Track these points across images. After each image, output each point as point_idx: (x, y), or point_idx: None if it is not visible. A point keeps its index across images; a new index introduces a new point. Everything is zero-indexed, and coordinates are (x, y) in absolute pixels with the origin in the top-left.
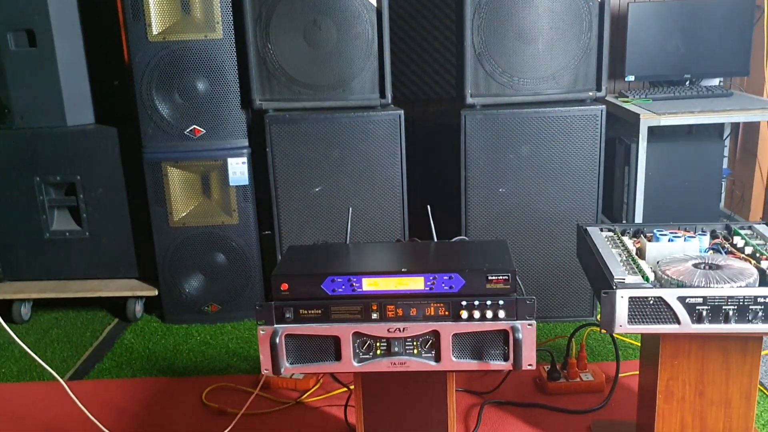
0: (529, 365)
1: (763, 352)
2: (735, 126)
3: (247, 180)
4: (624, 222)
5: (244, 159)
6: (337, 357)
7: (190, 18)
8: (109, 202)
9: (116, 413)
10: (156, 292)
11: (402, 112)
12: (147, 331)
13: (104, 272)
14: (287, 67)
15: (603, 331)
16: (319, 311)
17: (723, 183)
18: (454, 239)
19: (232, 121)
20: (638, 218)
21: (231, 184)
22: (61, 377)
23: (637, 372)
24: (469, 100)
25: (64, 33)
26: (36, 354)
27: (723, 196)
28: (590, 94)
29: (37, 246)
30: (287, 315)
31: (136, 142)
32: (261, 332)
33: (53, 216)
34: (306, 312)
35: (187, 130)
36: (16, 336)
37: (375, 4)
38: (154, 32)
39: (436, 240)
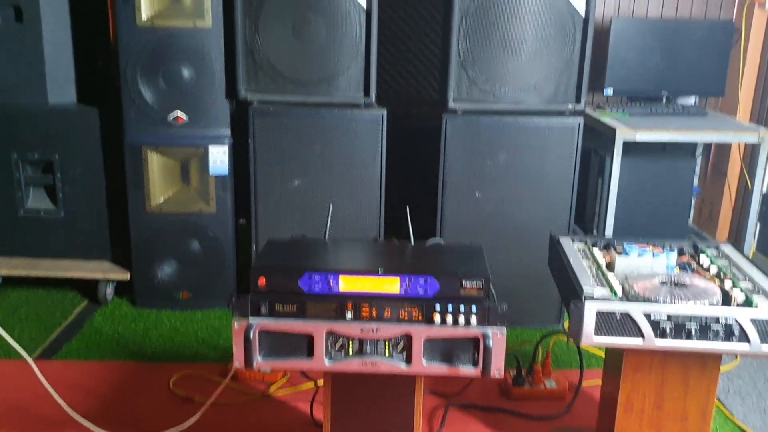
0: (497, 372)
1: (721, 369)
2: (707, 145)
3: (227, 170)
4: (595, 232)
5: (226, 148)
6: (310, 354)
7: (180, 5)
8: (86, 183)
9: (83, 395)
10: (128, 276)
11: (385, 111)
12: (117, 314)
13: (77, 253)
14: (274, 60)
15: (570, 341)
16: (295, 307)
17: (693, 200)
18: (428, 240)
19: (215, 110)
20: (609, 229)
21: (211, 173)
22: (29, 356)
23: (600, 381)
24: (451, 104)
25: (51, 11)
26: (4, 331)
27: (692, 212)
28: (569, 106)
29: (11, 223)
30: (263, 309)
31: (117, 125)
32: (235, 325)
33: (29, 193)
34: (281, 307)
35: (170, 117)
36: None
37: (365, 5)
38: (143, 17)
39: (413, 241)
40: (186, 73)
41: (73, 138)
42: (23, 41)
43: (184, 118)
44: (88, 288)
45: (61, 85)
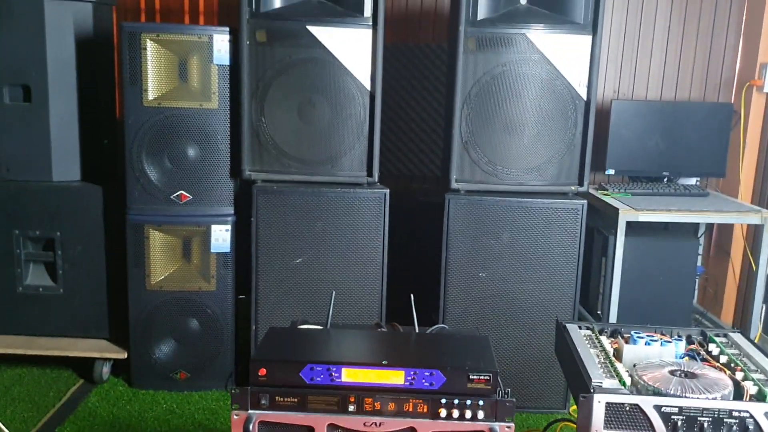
0: None
1: None
2: (710, 225)
3: (229, 247)
4: (599, 312)
5: (228, 227)
6: None
7: (187, 86)
8: (87, 261)
9: None
10: (125, 355)
11: (388, 191)
12: (112, 394)
13: (74, 331)
14: (279, 141)
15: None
16: (296, 399)
17: (696, 280)
18: (434, 328)
19: (219, 188)
20: (614, 309)
21: (212, 250)
22: None
23: None
24: (454, 184)
25: (59, 90)
26: None
27: (696, 292)
28: (572, 188)
29: (9, 299)
30: (263, 401)
31: (120, 202)
32: (234, 417)
33: (28, 270)
34: (282, 399)
35: (174, 195)
36: None
37: (369, 88)
38: (150, 97)
39: (417, 329)
40: (191, 152)
41: (76, 215)
42: (31, 120)
43: (188, 196)
44: (85, 366)
45: (66, 162)
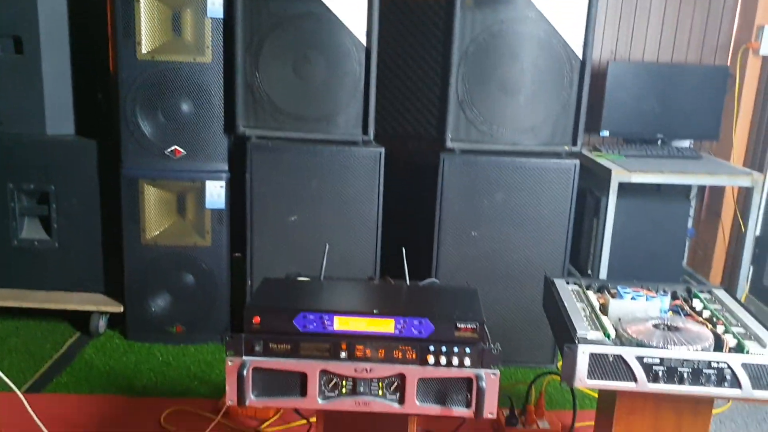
0: (490, 414)
1: (714, 411)
2: (701, 188)
3: (224, 204)
4: (590, 272)
5: (222, 183)
6: (303, 393)
7: (181, 40)
8: (82, 215)
9: (72, 429)
10: (121, 309)
11: (383, 150)
12: (109, 347)
13: (70, 284)
14: (273, 97)
15: (563, 383)
16: (289, 346)
17: (687, 242)
18: (424, 281)
19: (213, 144)
20: (603, 270)
21: (207, 206)
22: (18, 388)
23: (593, 423)
24: (449, 144)
25: (51, 42)
26: None
27: (686, 254)
28: (566, 148)
29: (4, 253)
30: (257, 348)
31: (114, 157)
32: (229, 363)
33: (23, 224)
34: (275, 346)
35: (168, 150)
36: None
37: (365, 43)
38: (144, 51)
39: (408, 282)
40: (185, 107)
41: (70, 169)
42: (23, 72)
43: (182, 152)
44: (81, 320)
45: (59, 116)
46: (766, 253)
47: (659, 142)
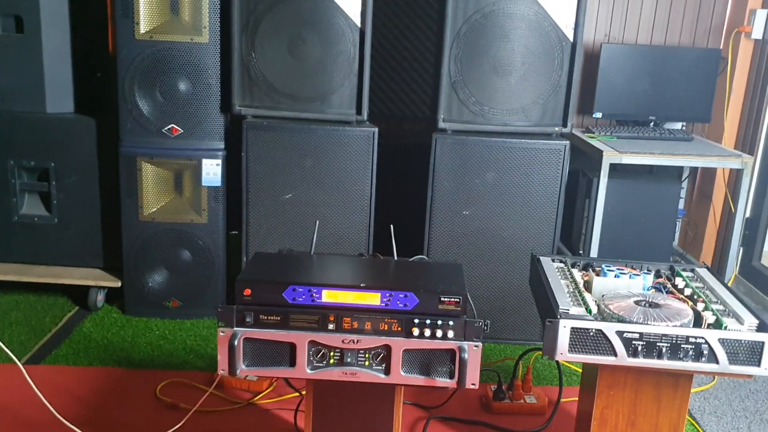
0: (473, 384)
1: (698, 389)
2: (693, 169)
3: (220, 181)
4: (581, 252)
5: (219, 161)
6: (292, 363)
7: (178, 20)
8: (81, 191)
9: (70, 400)
10: (119, 284)
11: (376, 129)
12: (107, 321)
13: (69, 260)
14: (269, 76)
15: (545, 356)
16: (279, 318)
17: (678, 222)
18: (413, 258)
19: (210, 123)
20: (594, 249)
21: (203, 184)
22: (19, 360)
23: (577, 398)
24: (441, 124)
25: (51, 21)
26: None
27: (677, 234)
28: (556, 129)
29: (5, 228)
30: (247, 319)
31: (113, 135)
32: (221, 333)
33: (23, 200)
34: (266, 318)
35: (165, 128)
36: None
37: (359, 24)
38: (142, 30)
39: (396, 258)
40: (182, 86)
41: (70, 146)
42: (23, 51)
43: (179, 130)
44: (79, 294)
45: (59, 94)
46: (756, 234)
47: (651, 124)
